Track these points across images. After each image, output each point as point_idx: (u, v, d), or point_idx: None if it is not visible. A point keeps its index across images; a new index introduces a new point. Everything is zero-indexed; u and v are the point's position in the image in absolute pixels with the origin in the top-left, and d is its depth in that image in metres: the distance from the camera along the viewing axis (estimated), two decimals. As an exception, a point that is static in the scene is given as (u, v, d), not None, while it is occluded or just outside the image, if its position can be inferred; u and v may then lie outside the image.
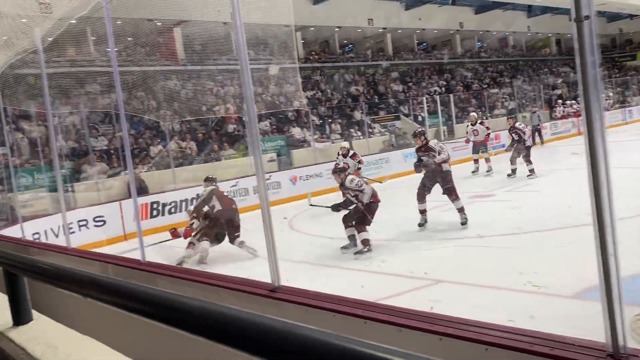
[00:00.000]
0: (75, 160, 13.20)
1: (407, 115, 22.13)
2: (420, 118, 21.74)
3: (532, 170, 11.85)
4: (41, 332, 1.60)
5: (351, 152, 11.25)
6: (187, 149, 15.22)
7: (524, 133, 12.16)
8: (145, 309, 0.98)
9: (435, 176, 7.94)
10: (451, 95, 22.46)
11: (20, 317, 1.70)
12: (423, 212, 8.01)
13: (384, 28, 27.26)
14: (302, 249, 7.54)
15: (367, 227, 6.92)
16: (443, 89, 26.37)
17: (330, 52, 26.55)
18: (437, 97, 21.60)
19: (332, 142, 18.45)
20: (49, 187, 10.93)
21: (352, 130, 19.68)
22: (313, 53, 25.16)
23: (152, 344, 3.44)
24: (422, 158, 8.10)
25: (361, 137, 18.99)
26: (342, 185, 7.41)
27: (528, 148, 12.09)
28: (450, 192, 7.83)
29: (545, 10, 31.16)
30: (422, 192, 7.97)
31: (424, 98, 22.32)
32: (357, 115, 20.80)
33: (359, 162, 11.09)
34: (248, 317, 0.77)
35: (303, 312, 2.82)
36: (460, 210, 7.72)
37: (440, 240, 7.04)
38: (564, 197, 8.36)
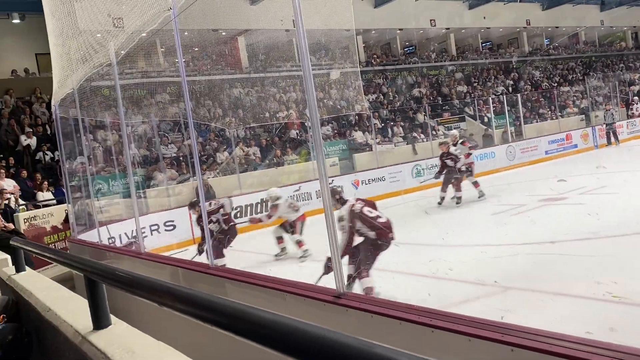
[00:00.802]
0: (147, 167, 13.78)
1: (472, 117, 21.61)
2: (486, 119, 21.18)
3: (459, 198, 10.89)
4: (119, 336, 1.67)
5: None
6: (251, 154, 15.54)
7: (459, 160, 11.14)
8: (219, 319, 1.00)
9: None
10: (519, 95, 21.70)
11: (99, 321, 1.78)
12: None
13: (447, 28, 26.79)
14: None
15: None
16: (510, 88, 25.55)
17: (392, 54, 26.36)
18: (504, 97, 20.96)
19: (395, 145, 18.29)
20: (123, 193, 11.46)
21: (415, 133, 19.43)
22: (375, 56, 25.07)
23: (224, 354, 3.52)
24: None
25: (424, 140, 18.69)
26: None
27: (461, 173, 11.15)
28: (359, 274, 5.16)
29: (620, 2, 29.60)
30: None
31: (490, 98, 21.72)
32: (420, 117, 20.52)
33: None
34: (321, 333, 0.77)
35: (368, 319, 2.79)
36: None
37: (509, 246, 6.79)
38: (645, 201, 7.87)
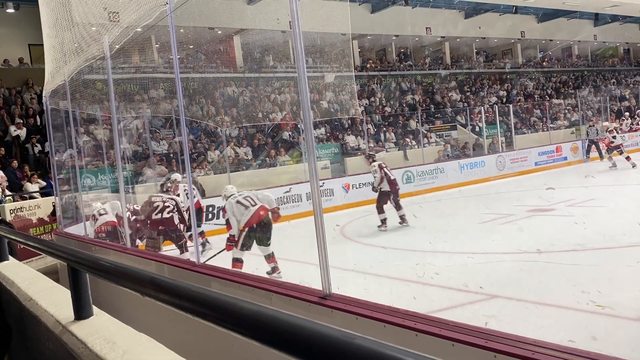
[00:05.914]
0: (137, 162, 13.69)
1: (463, 125, 21.73)
2: (477, 128, 21.29)
3: (403, 217, 9.76)
4: (100, 327, 1.65)
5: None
6: (242, 155, 15.49)
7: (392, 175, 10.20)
8: (202, 310, 0.99)
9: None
10: (510, 106, 21.84)
11: (81, 312, 1.77)
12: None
13: (443, 37, 26.91)
14: (354, 257, 7.50)
15: None
16: (503, 99, 25.70)
17: (387, 60, 26.44)
18: (496, 107, 21.08)
19: (387, 151, 18.32)
20: (111, 187, 11.38)
21: (407, 139, 19.49)
22: (370, 61, 25.13)
23: (206, 345, 3.50)
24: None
25: (416, 147, 18.76)
26: None
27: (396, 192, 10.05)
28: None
29: (614, 18, 29.90)
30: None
31: (482, 108, 21.84)
32: (413, 124, 20.59)
33: None
34: (304, 324, 0.76)
35: (353, 320, 2.79)
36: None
37: (496, 254, 6.83)
38: (632, 214, 7.94)
